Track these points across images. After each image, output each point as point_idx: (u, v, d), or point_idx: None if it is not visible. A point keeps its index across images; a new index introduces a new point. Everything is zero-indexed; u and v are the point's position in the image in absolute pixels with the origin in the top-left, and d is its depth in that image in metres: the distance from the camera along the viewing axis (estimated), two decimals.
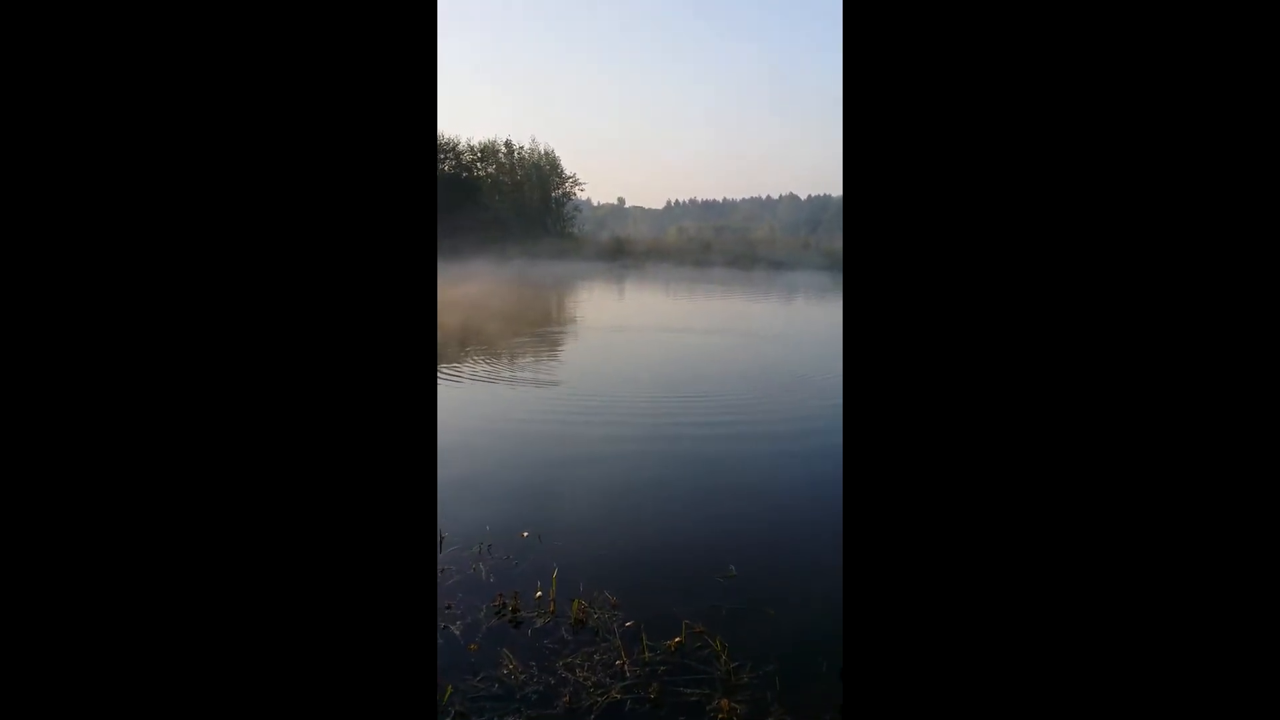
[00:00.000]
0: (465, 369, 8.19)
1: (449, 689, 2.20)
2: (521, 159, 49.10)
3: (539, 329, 12.92)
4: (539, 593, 2.79)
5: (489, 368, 8.37)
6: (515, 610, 2.68)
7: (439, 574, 2.97)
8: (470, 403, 6.50)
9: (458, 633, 2.54)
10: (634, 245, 46.24)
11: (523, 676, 2.28)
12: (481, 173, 47.80)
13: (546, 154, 50.12)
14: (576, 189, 52.44)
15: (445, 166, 46.64)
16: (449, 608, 2.70)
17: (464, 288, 22.26)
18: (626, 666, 2.33)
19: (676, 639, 2.48)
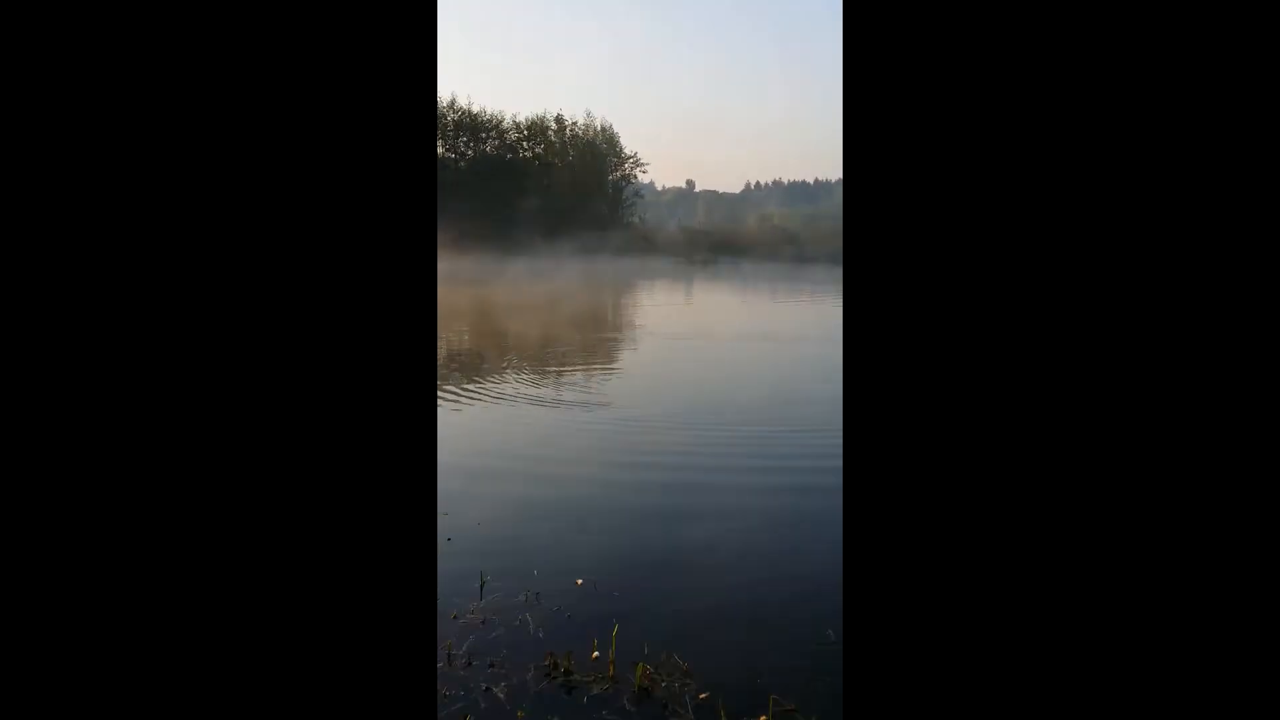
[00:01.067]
0: (504, 386, 8.34)
1: None
2: (574, 137, 49.88)
3: (591, 337, 13.06)
4: (596, 653, 2.81)
5: (530, 384, 8.50)
6: (568, 672, 2.70)
7: (480, 624, 3.03)
8: (505, 427, 6.61)
9: (502, 696, 2.58)
10: (706, 237, 46.24)
11: None
12: (528, 153, 48.75)
13: (603, 130, 50.78)
14: (638, 170, 52.94)
15: (487, 147, 47.72)
16: (492, 666, 2.74)
17: (502, 288, 22.75)
18: None
19: (762, 717, 2.45)
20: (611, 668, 2.71)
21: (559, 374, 9.09)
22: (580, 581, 3.42)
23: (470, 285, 22.88)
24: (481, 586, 3.35)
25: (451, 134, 46.64)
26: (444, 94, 46.41)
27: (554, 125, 49.43)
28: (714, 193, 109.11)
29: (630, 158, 51.91)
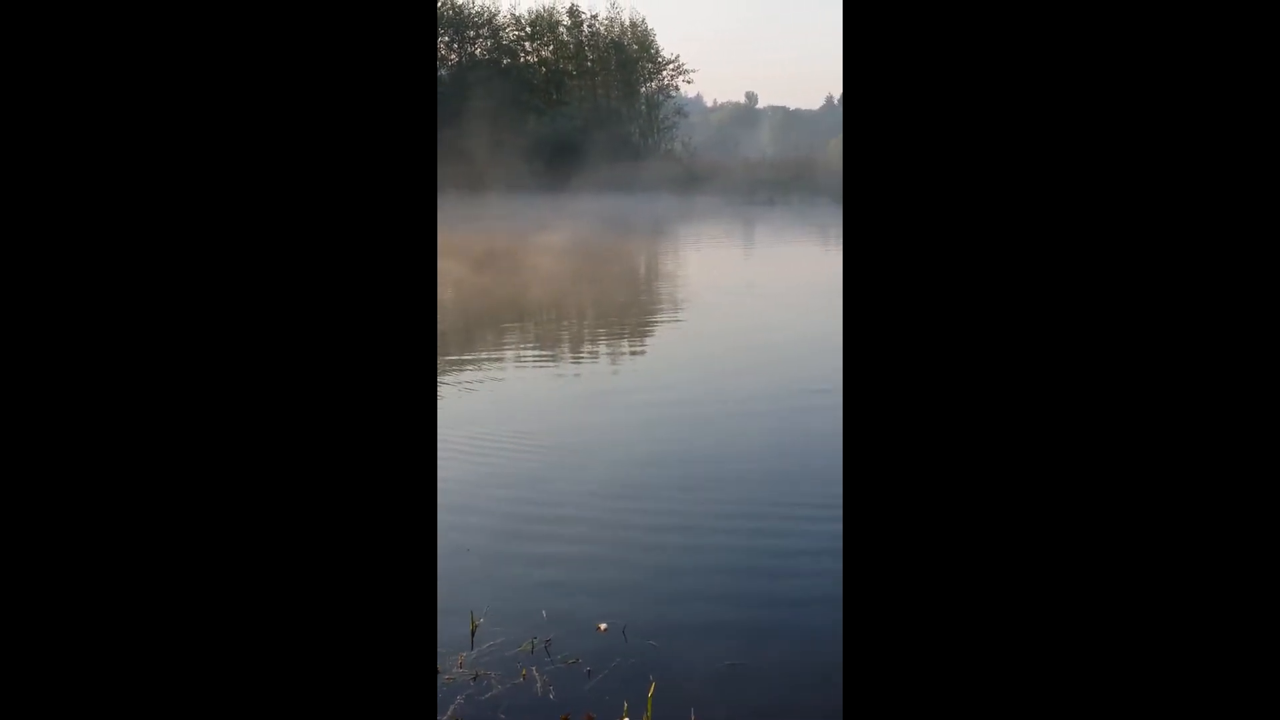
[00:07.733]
0: (461, 386, 8.42)
1: None
2: (594, 35, 49.73)
3: (614, 306, 13.09)
4: (626, 719, 2.85)
5: (536, 363, 8.57)
6: None
7: (471, 681, 3.08)
8: (498, 412, 6.69)
9: None
10: (773, 169, 45.89)
11: None
12: (532, 58, 48.67)
13: (633, 26, 50.55)
14: (680, 80, 52.79)
15: (477, 49, 47.61)
16: None
17: (492, 238, 22.85)
18: None
19: None
20: None
21: (576, 356, 9.13)
22: (604, 627, 3.48)
23: (450, 234, 22.98)
24: (473, 632, 3.42)
25: None
26: None
27: (566, 19, 49.34)
28: (784, 110, 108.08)
29: (670, 63, 51.68)
